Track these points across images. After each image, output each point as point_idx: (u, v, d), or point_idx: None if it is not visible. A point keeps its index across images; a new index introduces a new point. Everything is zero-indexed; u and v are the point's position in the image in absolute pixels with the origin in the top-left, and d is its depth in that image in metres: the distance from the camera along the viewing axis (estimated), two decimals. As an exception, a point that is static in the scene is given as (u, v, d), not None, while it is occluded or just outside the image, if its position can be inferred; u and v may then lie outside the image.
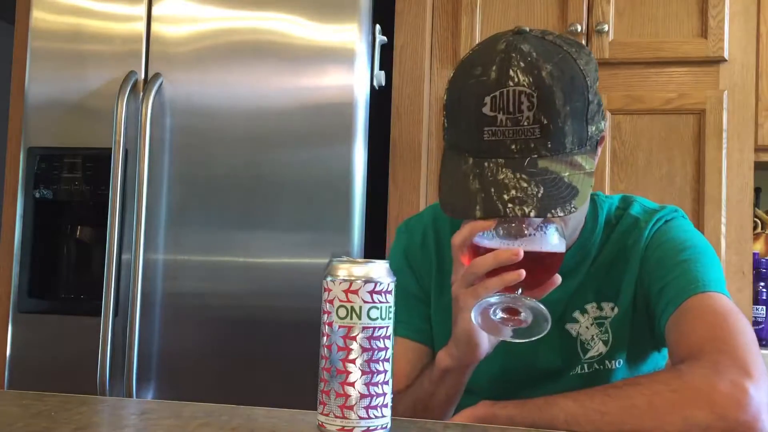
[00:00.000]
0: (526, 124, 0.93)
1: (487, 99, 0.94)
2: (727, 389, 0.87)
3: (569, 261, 1.08)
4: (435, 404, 1.04)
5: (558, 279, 0.94)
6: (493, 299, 0.92)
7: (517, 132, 0.93)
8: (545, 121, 0.93)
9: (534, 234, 0.93)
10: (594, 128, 0.98)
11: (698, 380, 0.89)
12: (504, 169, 0.93)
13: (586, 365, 1.12)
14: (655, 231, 1.12)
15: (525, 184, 0.92)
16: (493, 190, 0.92)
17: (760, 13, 1.99)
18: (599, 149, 1.08)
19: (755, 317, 2.01)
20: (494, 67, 0.95)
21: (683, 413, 0.87)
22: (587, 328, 1.12)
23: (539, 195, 0.91)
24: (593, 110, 0.98)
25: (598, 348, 1.12)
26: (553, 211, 0.91)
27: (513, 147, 0.93)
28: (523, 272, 0.89)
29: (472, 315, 0.92)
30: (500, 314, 0.92)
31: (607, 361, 1.12)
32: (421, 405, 1.06)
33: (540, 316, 0.91)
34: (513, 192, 0.91)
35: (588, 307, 1.13)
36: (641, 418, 0.88)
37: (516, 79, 0.93)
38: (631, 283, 1.11)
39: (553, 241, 0.93)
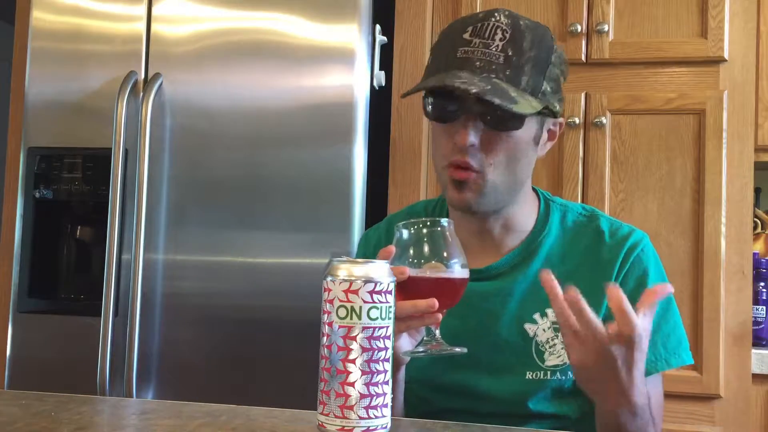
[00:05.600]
0: (494, 50, 1.08)
1: (469, 28, 1.10)
2: None
3: (514, 257, 1.18)
4: None
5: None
6: (420, 350, 0.99)
7: (484, 54, 1.08)
8: (510, 53, 1.08)
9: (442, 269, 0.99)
10: (548, 89, 1.11)
11: None
12: (463, 73, 1.07)
13: (549, 372, 1.14)
14: (633, 258, 1.17)
15: (476, 79, 1.06)
16: (448, 77, 1.07)
17: (760, 13, 1.99)
18: (550, 143, 1.19)
19: (755, 317, 2.00)
20: (482, 13, 1.13)
21: None
22: (544, 330, 1.14)
23: (486, 88, 1.04)
24: (553, 75, 1.12)
25: (563, 358, 1.13)
26: (491, 98, 1.03)
27: (477, 63, 1.08)
28: (435, 302, 0.94)
29: (399, 349, 0.99)
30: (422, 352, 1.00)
31: (570, 372, 1.13)
32: None
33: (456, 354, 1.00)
34: (465, 80, 1.05)
35: (548, 311, 1.14)
36: None
37: (498, 18, 1.11)
38: (602, 299, 1.05)
39: (456, 271, 0.98)
